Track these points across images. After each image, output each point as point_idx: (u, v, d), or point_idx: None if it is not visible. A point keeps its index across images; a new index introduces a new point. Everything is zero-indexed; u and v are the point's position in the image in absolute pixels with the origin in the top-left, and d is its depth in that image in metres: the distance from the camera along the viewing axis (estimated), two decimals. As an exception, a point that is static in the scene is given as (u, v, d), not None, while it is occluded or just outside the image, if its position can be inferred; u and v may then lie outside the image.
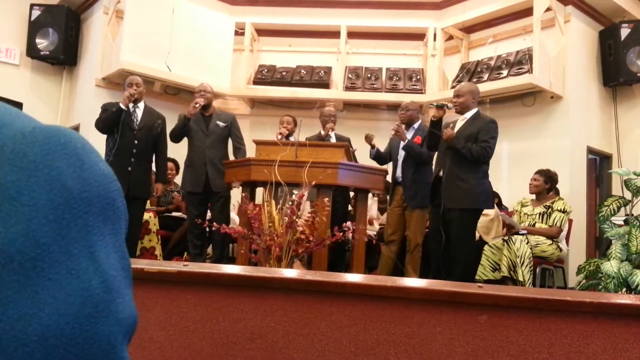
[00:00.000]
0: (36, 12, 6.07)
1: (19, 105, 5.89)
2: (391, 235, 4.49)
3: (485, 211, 4.72)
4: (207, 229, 4.28)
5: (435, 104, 4.15)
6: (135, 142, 4.23)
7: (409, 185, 4.37)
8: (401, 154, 4.50)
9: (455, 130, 4.01)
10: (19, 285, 0.31)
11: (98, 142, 4.38)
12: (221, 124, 4.60)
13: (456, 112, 4.12)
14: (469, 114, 4.03)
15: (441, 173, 3.98)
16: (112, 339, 0.35)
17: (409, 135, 4.52)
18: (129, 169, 4.15)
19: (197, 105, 4.33)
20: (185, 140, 4.67)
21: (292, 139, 4.44)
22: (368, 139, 4.51)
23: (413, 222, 4.36)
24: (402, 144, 4.43)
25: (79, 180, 0.35)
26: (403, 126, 4.45)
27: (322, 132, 4.81)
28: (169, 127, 4.56)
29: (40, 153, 0.34)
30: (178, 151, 5.98)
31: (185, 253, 4.80)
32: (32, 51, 6.10)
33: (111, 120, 4.17)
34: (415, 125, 4.57)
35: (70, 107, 6.45)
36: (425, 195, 4.27)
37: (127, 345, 0.38)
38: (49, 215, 0.33)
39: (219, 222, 3.18)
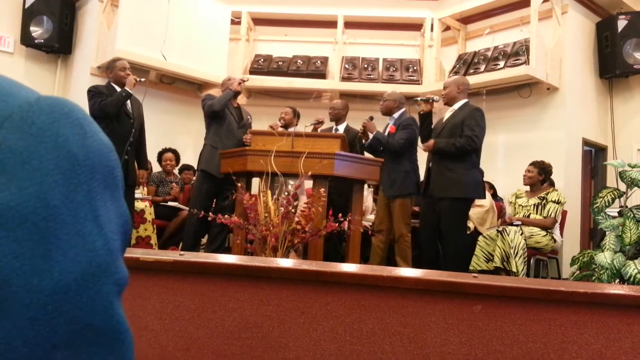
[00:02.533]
0: (30, 0, 6.01)
1: (13, 93, 5.84)
2: (379, 225, 4.52)
3: (480, 202, 4.75)
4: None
5: (420, 98, 4.20)
6: (132, 130, 4.20)
7: (386, 175, 4.37)
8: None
9: (444, 121, 4.07)
10: (33, 242, 0.34)
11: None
12: (250, 119, 4.73)
13: (445, 104, 4.19)
14: (456, 105, 4.08)
15: (431, 164, 4.03)
16: (110, 296, 0.38)
17: (390, 124, 4.56)
18: (126, 157, 4.12)
19: (141, 80, 4.28)
20: (182, 132, 4.68)
21: (291, 129, 4.46)
22: (361, 137, 4.53)
23: (395, 212, 4.37)
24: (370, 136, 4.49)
25: (83, 147, 0.37)
26: (373, 120, 4.47)
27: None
28: (162, 119, 4.55)
29: (47, 121, 0.36)
30: (174, 141, 5.97)
31: (181, 244, 4.79)
32: (26, 39, 6.05)
33: (122, 104, 4.11)
34: (395, 115, 4.54)
35: (64, 96, 6.33)
36: (404, 183, 4.30)
37: (120, 300, 0.41)
38: (57, 179, 0.35)
39: (226, 211, 3.18)
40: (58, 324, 0.35)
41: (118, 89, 4.17)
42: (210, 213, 2.98)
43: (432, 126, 4.24)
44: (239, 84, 4.52)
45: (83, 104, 5.60)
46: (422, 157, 4.51)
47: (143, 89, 4.33)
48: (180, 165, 5.86)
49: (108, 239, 0.38)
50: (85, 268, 0.36)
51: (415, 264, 4.40)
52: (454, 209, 3.88)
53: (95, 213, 0.38)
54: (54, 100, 0.38)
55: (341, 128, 4.81)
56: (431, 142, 3.94)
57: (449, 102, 4.11)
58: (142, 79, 4.31)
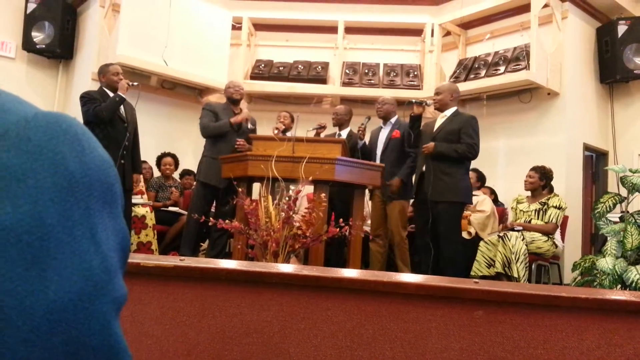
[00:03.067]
0: (32, 5, 6.03)
1: (14, 98, 5.85)
2: (376, 230, 4.53)
3: (481, 207, 4.75)
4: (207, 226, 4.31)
5: (414, 100, 4.19)
6: (127, 134, 4.20)
7: (388, 179, 4.37)
8: (379, 147, 4.54)
9: (436, 127, 4.09)
10: (27, 263, 0.33)
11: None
12: (250, 125, 4.70)
13: (435, 109, 4.20)
14: (448, 112, 4.10)
15: (424, 168, 4.02)
16: (107, 315, 0.38)
17: (387, 130, 4.60)
18: (122, 161, 4.12)
19: (134, 84, 4.27)
20: (183, 137, 4.68)
21: (288, 134, 4.47)
22: (360, 132, 4.59)
23: (394, 215, 4.39)
24: (381, 142, 4.55)
25: (80, 164, 0.37)
26: (370, 121, 4.58)
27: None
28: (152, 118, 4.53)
29: (44, 138, 0.36)
30: (175, 146, 5.97)
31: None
32: (28, 44, 6.06)
33: (116, 109, 4.10)
34: (392, 120, 4.64)
35: (66, 101, 6.42)
36: (405, 187, 4.32)
37: (118, 319, 0.41)
38: (53, 197, 0.35)
39: (227, 216, 3.18)
40: (53, 345, 0.34)
41: (110, 94, 4.16)
42: (210, 218, 2.97)
43: (419, 129, 4.24)
44: (242, 118, 4.53)
45: (84, 109, 5.60)
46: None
47: (137, 94, 4.32)
48: (181, 170, 5.87)
49: (105, 257, 0.38)
50: (82, 287, 0.36)
51: (415, 270, 4.40)
52: (451, 213, 3.91)
53: (92, 231, 0.37)
54: (52, 117, 0.37)
55: (344, 133, 4.82)
56: (432, 144, 3.94)
57: (440, 108, 4.12)
58: (135, 83, 4.29)
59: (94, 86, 5.69)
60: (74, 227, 0.36)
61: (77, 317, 0.35)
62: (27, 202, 0.33)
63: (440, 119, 4.11)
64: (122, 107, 4.20)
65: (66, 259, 0.35)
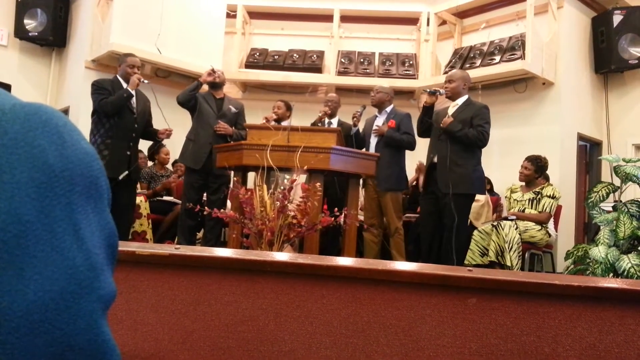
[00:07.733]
0: (24, -8, 5.96)
1: (7, 87, 5.81)
2: (370, 219, 4.53)
3: (477, 197, 4.76)
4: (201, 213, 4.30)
5: (427, 90, 4.16)
6: (136, 125, 4.21)
7: (383, 169, 4.36)
8: (373, 139, 4.53)
9: (448, 116, 4.03)
10: (3, 262, 0.31)
11: (88, 123, 4.32)
12: (233, 109, 4.64)
13: (447, 98, 4.14)
14: (460, 100, 4.05)
15: (435, 159, 3.99)
16: (94, 314, 0.36)
17: (382, 119, 4.58)
18: (128, 152, 4.12)
19: (144, 82, 4.28)
20: (177, 126, 4.68)
21: (285, 123, 4.45)
22: (354, 120, 4.58)
23: (388, 206, 4.39)
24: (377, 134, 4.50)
25: (60, 158, 0.35)
26: (385, 126, 4.47)
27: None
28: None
29: (22, 130, 0.34)
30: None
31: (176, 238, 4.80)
32: (20, 32, 6.00)
33: (122, 105, 4.10)
34: (388, 109, 4.59)
35: (59, 89, 6.37)
36: (399, 178, 4.35)
37: (106, 317, 0.39)
38: (31, 193, 0.33)
39: (216, 205, 3.18)
40: (35, 346, 0.32)
41: (124, 84, 4.17)
42: (205, 207, 2.97)
43: (430, 120, 4.21)
44: (208, 74, 4.47)
45: (78, 97, 5.58)
46: (411, 155, 4.57)
47: (150, 87, 4.35)
48: (174, 159, 5.87)
49: (90, 254, 0.36)
50: (65, 286, 0.34)
51: (410, 258, 4.42)
52: (460, 205, 3.87)
53: (75, 227, 0.35)
54: (31, 108, 0.35)
55: (334, 122, 4.81)
56: (448, 120, 3.89)
57: (452, 96, 4.07)
58: (146, 81, 4.28)
59: (88, 74, 5.67)
60: (55, 223, 0.34)
61: (61, 317, 0.34)
62: (2, 198, 0.32)
63: (452, 107, 4.06)
64: (134, 98, 4.20)
65: (47, 257, 0.33)
